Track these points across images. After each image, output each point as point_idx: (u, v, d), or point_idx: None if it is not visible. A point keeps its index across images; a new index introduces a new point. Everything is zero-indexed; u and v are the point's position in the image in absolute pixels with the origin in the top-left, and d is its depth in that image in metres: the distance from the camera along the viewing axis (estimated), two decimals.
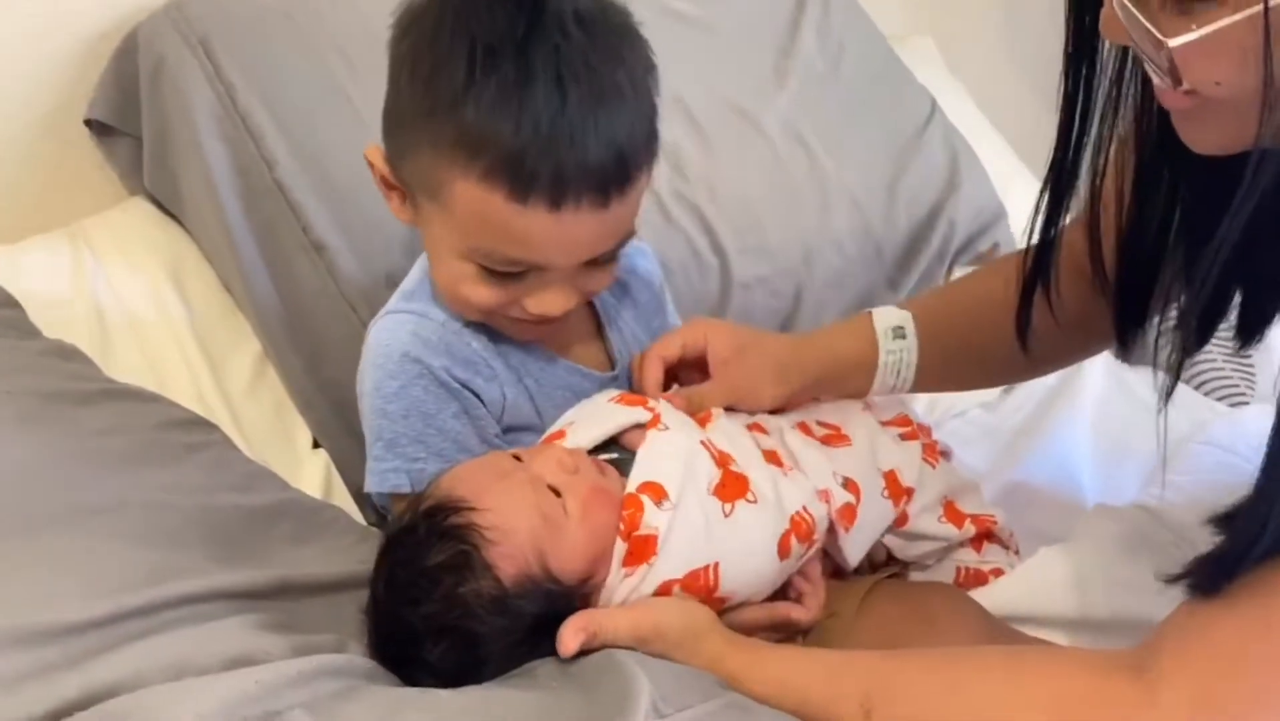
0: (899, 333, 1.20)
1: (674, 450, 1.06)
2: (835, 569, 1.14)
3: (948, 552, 1.20)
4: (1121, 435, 1.53)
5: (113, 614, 0.90)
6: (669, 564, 1.00)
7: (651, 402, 1.14)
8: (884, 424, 1.24)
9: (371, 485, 1.11)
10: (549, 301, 1.06)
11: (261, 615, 0.96)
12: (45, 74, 1.50)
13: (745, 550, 1.04)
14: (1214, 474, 1.24)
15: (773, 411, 1.21)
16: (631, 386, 1.20)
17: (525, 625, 0.96)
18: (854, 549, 1.12)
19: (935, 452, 1.23)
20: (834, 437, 1.18)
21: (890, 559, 1.20)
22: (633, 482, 1.03)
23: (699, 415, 1.15)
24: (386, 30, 1.47)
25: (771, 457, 1.11)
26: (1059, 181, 1.01)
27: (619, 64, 1.00)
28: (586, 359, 1.21)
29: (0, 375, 1.13)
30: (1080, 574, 1.12)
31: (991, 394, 1.66)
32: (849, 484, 1.12)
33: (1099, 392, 1.61)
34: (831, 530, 1.10)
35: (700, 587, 1.01)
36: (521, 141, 0.96)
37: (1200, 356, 1.67)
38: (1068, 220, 1.05)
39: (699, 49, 1.69)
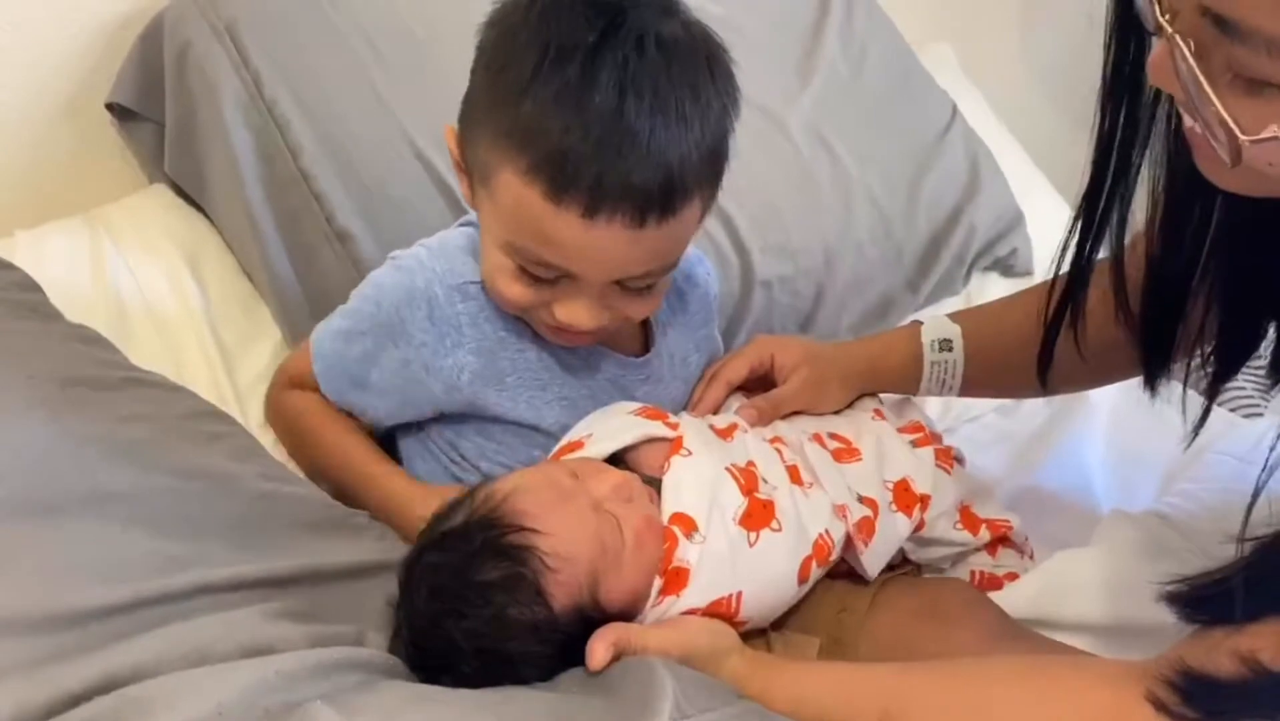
0: (946, 345, 1.26)
1: (699, 478, 1.06)
2: (850, 568, 1.14)
3: (962, 557, 1.20)
4: (1136, 443, 1.53)
5: (132, 600, 0.90)
6: (695, 595, 1.00)
7: (673, 418, 1.14)
8: (896, 431, 1.24)
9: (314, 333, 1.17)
10: (575, 312, 1.06)
11: (281, 604, 0.95)
12: (67, 57, 1.49)
13: (768, 578, 1.04)
14: (1229, 482, 1.24)
15: (786, 418, 1.23)
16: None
17: (557, 647, 0.95)
18: (874, 562, 1.12)
19: (949, 458, 1.23)
20: (844, 453, 1.18)
21: (904, 560, 1.19)
22: (663, 514, 1.03)
23: (722, 428, 1.15)
24: (414, 21, 1.48)
25: (793, 473, 1.11)
26: (1091, 214, 0.97)
27: (692, 94, 0.99)
28: (621, 348, 1.21)
29: (22, 359, 1.12)
30: (1097, 578, 1.12)
31: (1007, 399, 1.66)
32: (865, 499, 1.12)
33: (1114, 400, 1.61)
34: (850, 545, 1.09)
35: (722, 615, 1.01)
36: (569, 142, 0.95)
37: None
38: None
39: None
